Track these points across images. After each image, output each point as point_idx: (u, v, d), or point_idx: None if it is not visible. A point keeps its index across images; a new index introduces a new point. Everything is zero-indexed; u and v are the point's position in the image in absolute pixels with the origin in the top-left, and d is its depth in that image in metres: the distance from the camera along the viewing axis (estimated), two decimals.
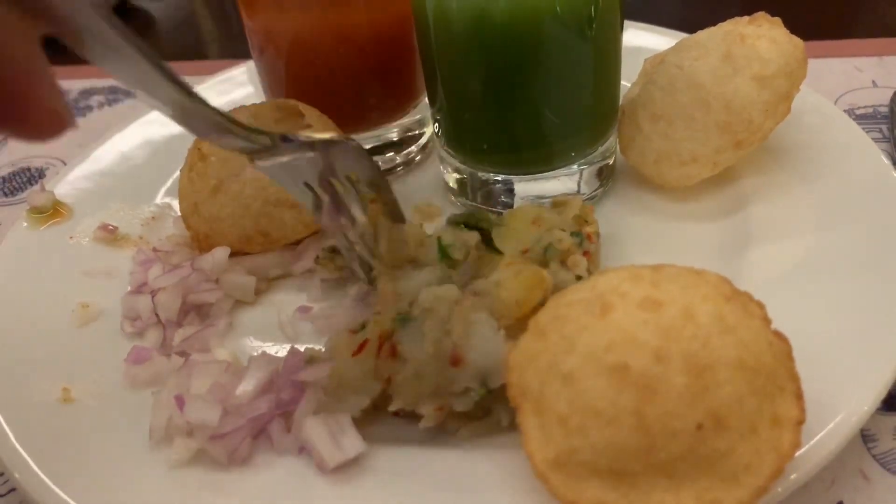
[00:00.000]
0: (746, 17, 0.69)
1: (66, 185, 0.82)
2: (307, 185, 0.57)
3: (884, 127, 0.87)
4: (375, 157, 0.83)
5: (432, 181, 0.82)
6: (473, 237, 0.62)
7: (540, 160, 0.71)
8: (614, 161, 0.77)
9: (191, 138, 0.73)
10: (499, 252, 0.62)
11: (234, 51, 1.27)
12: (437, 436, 0.54)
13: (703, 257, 0.58)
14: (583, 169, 0.73)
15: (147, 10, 1.52)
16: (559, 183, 0.73)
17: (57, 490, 0.51)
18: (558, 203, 0.68)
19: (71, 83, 1.18)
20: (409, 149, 0.85)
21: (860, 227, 0.63)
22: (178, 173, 0.76)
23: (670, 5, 1.36)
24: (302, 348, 0.59)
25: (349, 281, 0.67)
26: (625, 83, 0.75)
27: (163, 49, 1.42)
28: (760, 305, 0.46)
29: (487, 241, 0.63)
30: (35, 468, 0.53)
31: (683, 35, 0.76)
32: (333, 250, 0.67)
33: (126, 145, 0.89)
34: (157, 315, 0.65)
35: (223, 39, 1.48)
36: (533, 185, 0.73)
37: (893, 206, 0.64)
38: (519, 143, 0.71)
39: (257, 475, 0.53)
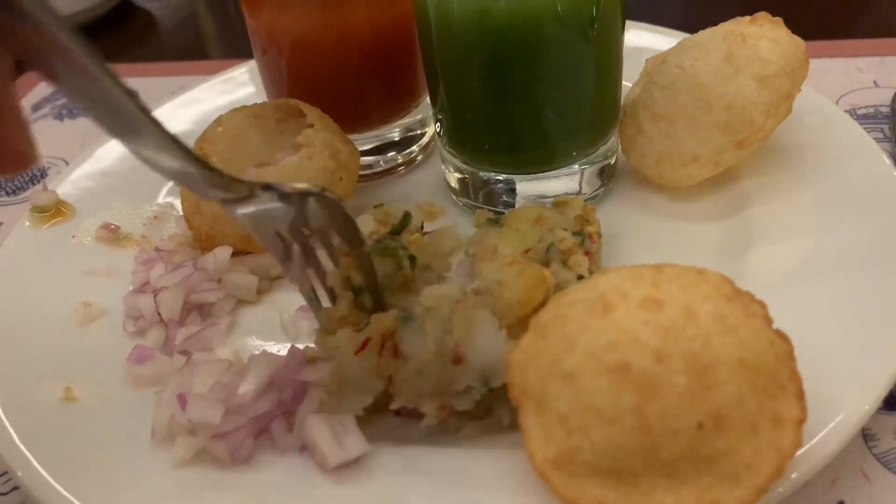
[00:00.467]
0: (748, 17, 0.69)
1: (69, 184, 0.82)
2: (279, 234, 0.55)
3: (885, 127, 0.87)
4: (377, 157, 0.84)
5: (434, 181, 0.82)
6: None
7: (541, 160, 0.71)
8: (616, 161, 0.77)
9: (192, 138, 0.74)
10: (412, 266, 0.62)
11: (236, 50, 1.27)
12: (438, 435, 0.54)
13: (704, 257, 0.58)
14: (584, 169, 0.73)
15: (148, 9, 1.52)
16: (561, 183, 0.73)
17: (59, 488, 0.51)
18: (560, 203, 0.68)
19: None
20: (411, 148, 0.85)
21: (861, 226, 0.63)
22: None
23: (671, 5, 1.36)
24: (303, 347, 0.59)
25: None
26: (626, 83, 0.75)
27: (165, 49, 1.42)
28: (762, 305, 0.47)
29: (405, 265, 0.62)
30: (37, 467, 0.53)
31: (685, 35, 0.76)
32: None
33: None
34: (159, 314, 0.66)
35: (225, 39, 1.47)
36: (534, 185, 0.73)
37: (894, 206, 0.64)
38: (520, 143, 0.71)
39: (259, 474, 0.53)
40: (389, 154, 0.84)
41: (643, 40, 0.90)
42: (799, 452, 0.45)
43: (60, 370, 0.61)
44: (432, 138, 0.87)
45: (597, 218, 0.66)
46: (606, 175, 0.75)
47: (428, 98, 0.77)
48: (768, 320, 0.46)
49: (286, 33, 0.75)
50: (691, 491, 0.43)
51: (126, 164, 0.86)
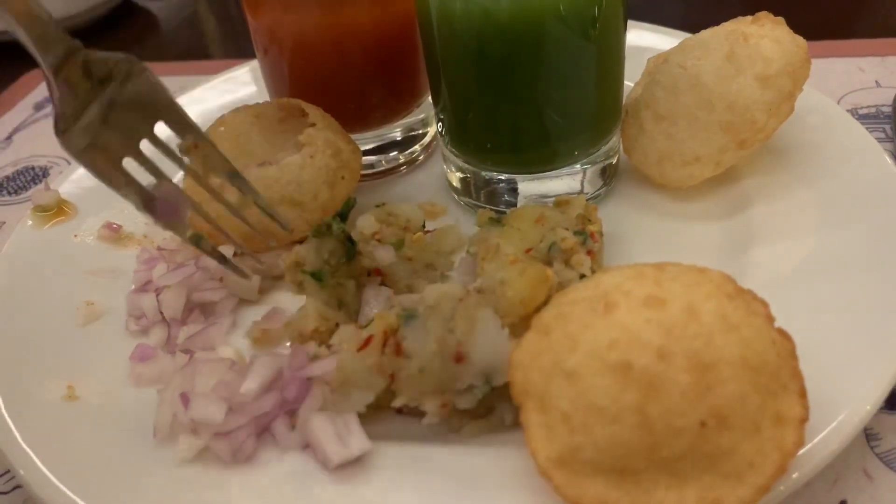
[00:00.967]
0: (749, 17, 0.69)
1: (71, 183, 0.82)
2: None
3: (887, 127, 0.87)
4: (379, 157, 0.83)
5: (436, 180, 0.82)
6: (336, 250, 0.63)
7: (543, 159, 0.71)
8: (617, 161, 0.77)
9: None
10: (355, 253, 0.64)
11: (238, 50, 1.28)
12: (440, 433, 0.54)
13: (706, 256, 0.58)
14: (586, 168, 0.73)
15: (150, 9, 1.52)
16: (562, 182, 0.73)
17: (61, 487, 0.51)
18: (562, 202, 0.68)
19: None
20: (413, 148, 0.85)
21: (863, 226, 0.63)
22: (181, 172, 0.76)
23: (673, 5, 1.36)
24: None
25: None
26: (628, 83, 0.75)
27: (166, 49, 1.42)
28: (764, 304, 0.47)
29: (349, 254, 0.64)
30: (40, 465, 0.53)
31: (686, 35, 0.76)
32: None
33: None
34: (161, 313, 0.66)
35: (227, 39, 1.48)
36: (536, 185, 0.73)
37: None
38: (522, 143, 0.71)
39: (261, 473, 0.53)
40: (391, 153, 0.84)
41: (645, 40, 0.90)
42: (801, 452, 0.45)
43: (63, 369, 0.62)
44: (434, 138, 0.87)
45: (598, 217, 0.66)
46: (608, 175, 0.75)
47: (430, 97, 0.77)
48: (770, 319, 0.46)
49: (288, 33, 0.75)
50: (693, 489, 0.43)
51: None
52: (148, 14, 1.52)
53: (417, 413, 0.53)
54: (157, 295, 0.66)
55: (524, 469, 0.48)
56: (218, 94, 0.96)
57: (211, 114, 0.83)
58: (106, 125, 0.56)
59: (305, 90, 0.77)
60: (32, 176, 0.99)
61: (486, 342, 0.51)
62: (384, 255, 0.64)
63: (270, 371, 0.56)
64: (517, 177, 0.73)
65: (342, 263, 0.63)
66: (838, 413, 0.49)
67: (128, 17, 1.49)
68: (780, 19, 0.68)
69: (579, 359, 0.44)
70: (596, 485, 0.44)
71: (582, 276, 0.59)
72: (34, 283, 0.70)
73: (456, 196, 0.79)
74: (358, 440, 0.52)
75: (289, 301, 0.68)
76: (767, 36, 0.66)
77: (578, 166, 0.72)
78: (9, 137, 1.08)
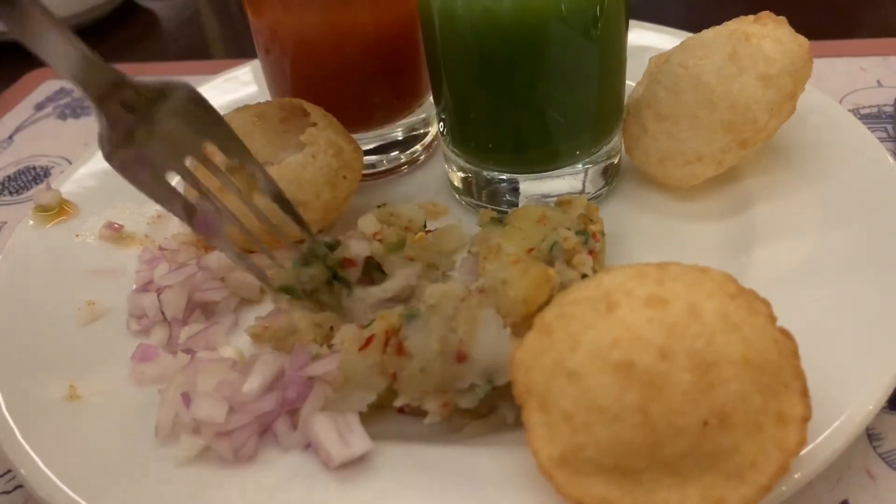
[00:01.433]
0: (751, 17, 0.69)
1: (72, 183, 0.82)
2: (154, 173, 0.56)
3: (888, 126, 0.87)
4: (380, 156, 0.83)
5: (437, 180, 0.82)
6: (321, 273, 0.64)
7: (545, 159, 0.71)
8: (619, 160, 0.77)
9: None
10: (348, 285, 0.64)
11: (239, 50, 1.28)
12: (441, 433, 0.54)
13: (707, 256, 0.58)
14: (588, 168, 0.73)
15: (151, 9, 1.53)
16: (564, 182, 0.73)
17: (63, 487, 0.51)
18: (563, 202, 0.68)
19: None
20: (414, 148, 0.85)
21: (865, 225, 0.63)
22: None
23: (675, 4, 1.36)
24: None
25: None
26: (630, 83, 0.75)
27: (168, 49, 1.42)
28: (766, 303, 0.46)
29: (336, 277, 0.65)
30: (41, 465, 0.53)
31: (688, 34, 0.76)
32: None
33: None
34: (163, 313, 0.66)
35: (228, 39, 1.48)
36: (538, 184, 0.73)
37: None
38: (524, 143, 0.71)
39: (263, 472, 0.53)
40: (393, 153, 0.84)
41: (646, 40, 0.90)
42: (803, 451, 0.44)
43: (64, 369, 0.62)
44: (435, 137, 0.87)
45: (600, 217, 0.66)
46: (610, 174, 0.75)
47: (431, 97, 0.77)
48: (772, 318, 0.46)
49: (289, 33, 0.75)
50: (696, 489, 0.43)
51: None
52: (149, 14, 1.52)
53: (419, 412, 0.53)
54: (159, 295, 0.66)
55: (526, 468, 0.48)
56: (219, 93, 0.95)
57: None
58: (152, 140, 0.56)
59: (307, 90, 0.77)
60: (34, 176, 0.99)
61: (487, 342, 0.51)
62: (358, 249, 0.65)
63: (272, 370, 0.56)
64: (519, 176, 0.73)
65: (320, 285, 0.64)
66: (841, 413, 0.49)
67: (130, 17, 1.49)
68: (782, 19, 0.68)
69: (581, 358, 0.44)
70: (598, 484, 0.44)
71: (584, 276, 0.59)
72: (35, 283, 0.70)
73: (457, 196, 0.79)
74: (359, 440, 0.52)
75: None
76: (769, 35, 0.66)
77: (580, 166, 0.72)
78: (10, 137, 1.08)
